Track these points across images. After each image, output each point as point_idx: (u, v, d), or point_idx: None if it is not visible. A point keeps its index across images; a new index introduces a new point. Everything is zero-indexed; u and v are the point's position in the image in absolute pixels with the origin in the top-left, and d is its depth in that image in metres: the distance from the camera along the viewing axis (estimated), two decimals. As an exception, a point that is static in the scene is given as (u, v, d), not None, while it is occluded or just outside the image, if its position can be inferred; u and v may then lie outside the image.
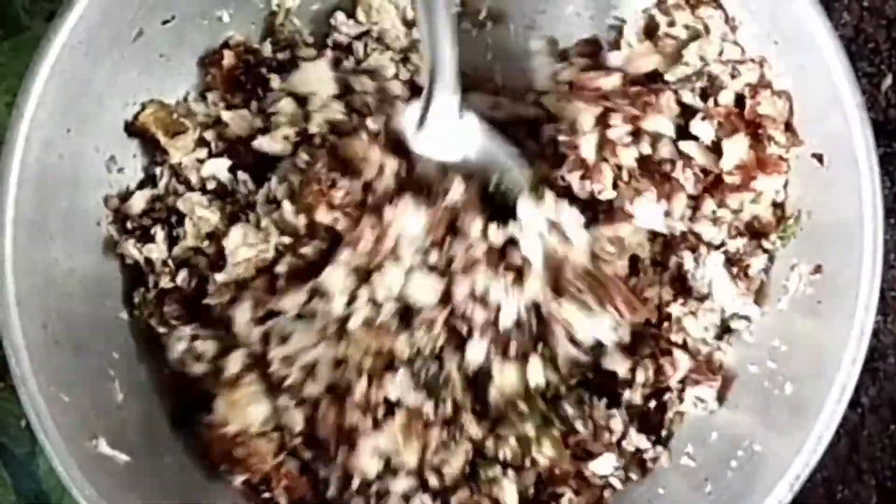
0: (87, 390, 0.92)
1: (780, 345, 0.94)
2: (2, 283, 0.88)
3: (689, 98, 0.98)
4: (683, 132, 0.98)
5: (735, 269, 0.96)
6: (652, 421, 0.97)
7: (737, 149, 0.96)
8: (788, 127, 0.95)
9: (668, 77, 0.99)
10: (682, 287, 0.98)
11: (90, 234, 0.97)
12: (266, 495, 0.97)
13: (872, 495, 1.06)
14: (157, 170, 1.01)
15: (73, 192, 0.95)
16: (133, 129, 1.00)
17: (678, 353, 0.97)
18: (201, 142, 1.01)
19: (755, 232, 0.97)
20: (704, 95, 0.99)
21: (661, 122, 0.97)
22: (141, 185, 1.01)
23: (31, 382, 0.88)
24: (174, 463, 0.96)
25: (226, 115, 1.01)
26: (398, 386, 0.93)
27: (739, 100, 0.97)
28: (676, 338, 0.97)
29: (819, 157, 0.92)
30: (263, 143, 1.00)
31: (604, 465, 0.96)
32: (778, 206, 0.97)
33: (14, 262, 0.89)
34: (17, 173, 0.89)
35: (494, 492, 0.95)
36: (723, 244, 0.97)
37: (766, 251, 0.96)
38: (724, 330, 0.98)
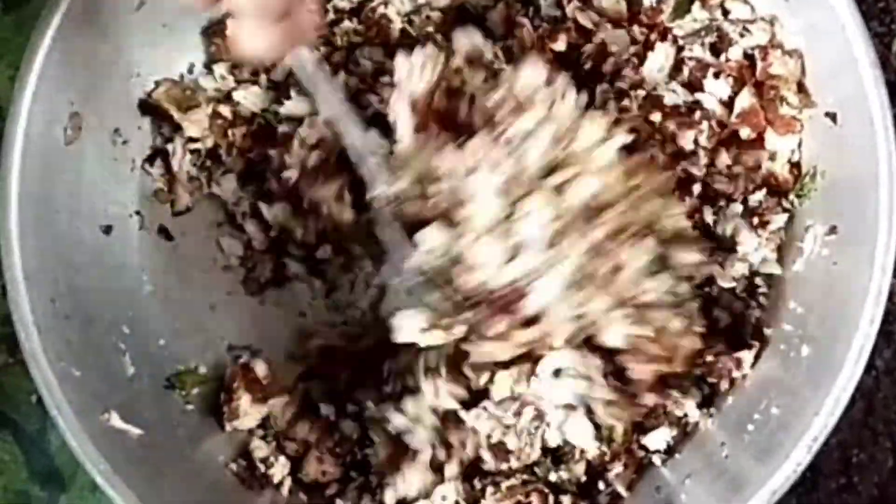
0: (97, 364, 0.92)
1: (796, 307, 0.93)
2: (9, 258, 0.88)
3: (699, 52, 0.97)
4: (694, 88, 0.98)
5: (756, 221, 0.96)
6: (702, 389, 0.96)
7: (743, 99, 0.95)
8: (801, 87, 0.94)
9: (675, 31, 0.99)
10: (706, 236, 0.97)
11: (96, 207, 0.97)
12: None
13: (888, 458, 1.06)
14: (170, 146, 1.01)
15: (77, 166, 0.95)
16: (146, 105, 1.00)
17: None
18: (216, 115, 1.01)
19: (773, 189, 0.96)
20: (715, 51, 0.98)
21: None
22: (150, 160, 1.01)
23: (41, 358, 0.87)
24: (185, 436, 0.96)
25: (238, 95, 1.00)
26: None
27: (750, 58, 0.96)
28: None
29: (833, 117, 0.91)
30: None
31: (657, 439, 0.95)
32: (794, 165, 0.96)
33: (20, 237, 0.88)
34: (21, 147, 0.89)
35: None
36: (744, 199, 0.97)
37: (785, 210, 0.96)
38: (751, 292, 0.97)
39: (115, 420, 0.90)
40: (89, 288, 0.94)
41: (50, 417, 0.89)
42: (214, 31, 1.01)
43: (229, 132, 1.01)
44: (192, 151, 1.01)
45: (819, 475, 1.04)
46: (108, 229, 0.98)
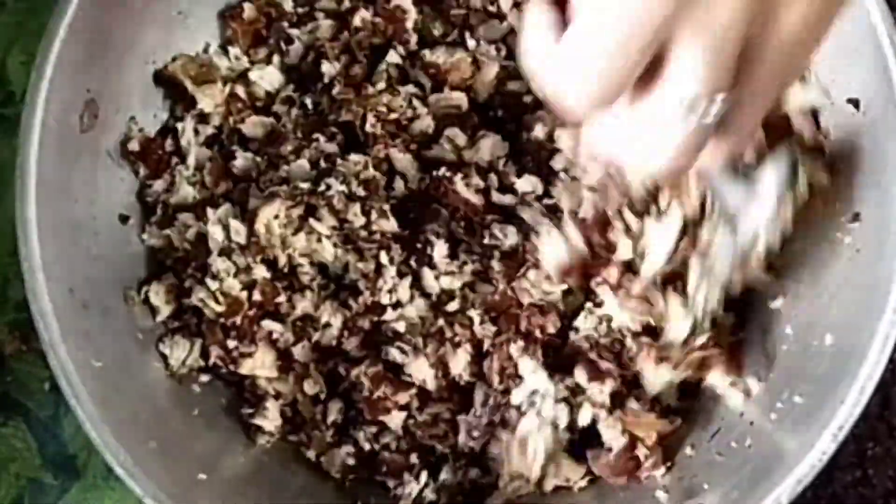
0: (116, 355, 0.92)
1: (819, 294, 0.92)
2: (27, 246, 0.87)
3: None
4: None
5: None
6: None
7: None
8: None
9: None
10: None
11: (113, 195, 0.97)
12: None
13: (904, 451, 1.06)
14: (180, 125, 1.00)
15: (94, 154, 0.94)
16: (161, 77, 0.99)
17: None
18: (234, 97, 1.00)
19: None
20: None
21: None
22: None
23: (60, 348, 0.86)
24: (203, 425, 0.96)
25: (254, 75, 1.00)
26: None
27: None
28: None
29: (855, 103, 0.90)
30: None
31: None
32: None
33: (39, 226, 0.88)
34: (39, 135, 0.88)
35: None
36: None
37: None
38: None
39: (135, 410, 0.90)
40: (107, 278, 0.94)
41: (63, 405, 0.89)
42: (231, 14, 1.01)
43: (238, 118, 1.00)
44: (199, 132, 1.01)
45: (834, 468, 1.04)
46: (124, 219, 0.97)
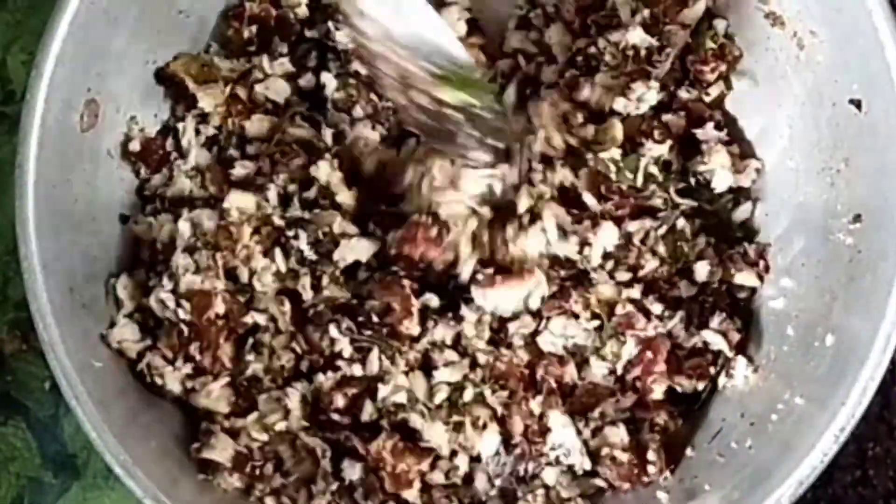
0: (115, 355, 0.92)
1: (820, 295, 0.92)
2: (27, 246, 0.87)
3: None
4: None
5: None
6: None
7: None
8: None
9: None
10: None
11: (113, 195, 0.97)
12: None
13: (904, 452, 1.06)
14: (181, 125, 1.00)
15: (94, 153, 0.94)
16: (163, 75, 0.99)
17: None
18: (235, 98, 1.00)
19: None
20: None
21: None
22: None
23: (59, 348, 0.86)
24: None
25: (267, 66, 1.00)
26: None
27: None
28: None
29: (857, 104, 0.90)
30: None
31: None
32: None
33: (37, 226, 0.88)
34: (38, 134, 0.88)
35: None
36: None
37: None
38: None
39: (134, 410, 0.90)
40: (106, 278, 0.94)
41: (63, 404, 0.89)
42: (234, 14, 1.01)
43: (237, 121, 1.00)
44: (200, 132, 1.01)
45: (834, 468, 1.04)
46: (125, 218, 0.97)
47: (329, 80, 1.00)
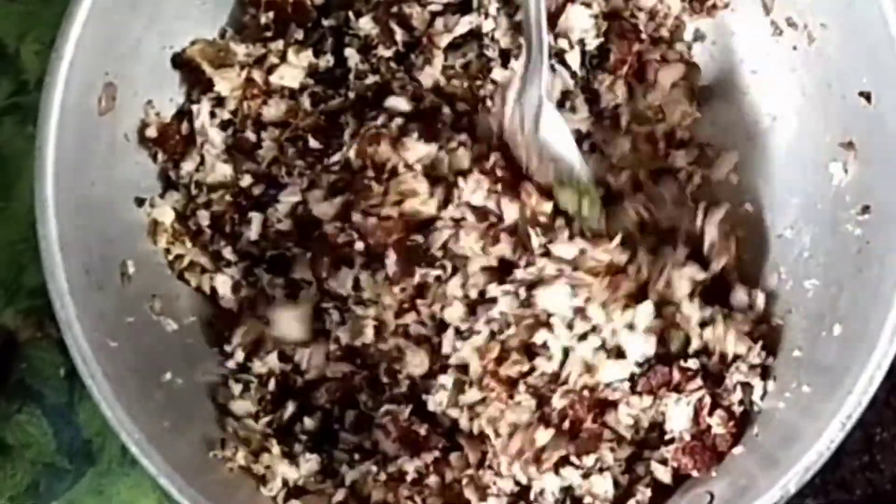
0: (131, 335, 0.92)
1: (828, 285, 0.93)
2: (45, 227, 0.88)
3: None
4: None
5: None
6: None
7: None
8: None
9: None
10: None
11: (130, 178, 0.97)
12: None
13: (910, 437, 1.06)
14: (195, 107, 1.00)
15: (111, 137, 0.95)
16: (179, 60, 1.00)
17: None
18: (250, 82, 1.01)
19: None
20: None
21: None
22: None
23: (76, 326, 0.87)
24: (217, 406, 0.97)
25: (274, 77, 1.01)
26: None
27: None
28: None
29: (867, 96, 0.90)
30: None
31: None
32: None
33: (56, 207, 0.88)
34: (58, 116, 0.89)
35: None
36: None
37: None
38: None
39: (149, 391, 0.91)
40: (123, 259, 0.95)
41: (78, 391, 0.89)
42: (250, 0, 1.02)
43: (253, 104, 1.01)
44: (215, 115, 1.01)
45: (842, 454, 1.03)
46: (140, 202, 0.98)
47: (352, 54, 1.01)
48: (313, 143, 0.99)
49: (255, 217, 0.99)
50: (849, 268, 0.91)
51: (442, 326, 0.96)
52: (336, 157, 0.98)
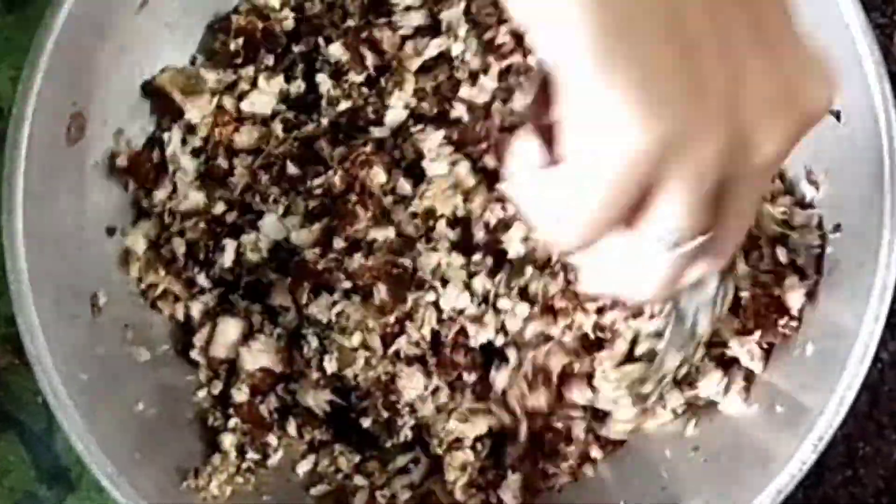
0: (103, 367, 0.92)
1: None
2: (14, 260, 0.87)
3: None
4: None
5: None
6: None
7: None
8: None
9: None
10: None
11: (100, 208, 0.97)
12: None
13: (894, 451, 1.06)
14: (166, 135, 1.00)
15: (81, 166, 0.95)
16: (149, 88, 0.99)
17: None
18: (221, 110, 1.00)
19: None
20: None
21: None
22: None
23: (46, 360, 0.87)
24: (194, 437, 0.97)
25: (245, 104, 1.01)
26: None
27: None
28: None
29: (836, 115, 0.90)
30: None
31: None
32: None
33: (26, 238, 0.88)
34: (26, 148, 0.88)
35: None
36: None
37: None
38: None
39: (122, 422, 0.90)
40: (94, 291, 0.94)
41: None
42: (220, 26, 1.02)
43: (224, 131, 1.01)
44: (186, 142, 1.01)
45: (824, 469, 1.04)
46: (111, 231, 0.98)
47: (324, 80, 1.01)
48: (292, 169, 0.98)
49: (229, 244, 0.98)
50: (822, 286, 0.91)
51: (435, 343, 0.96)
52: (318, 181, 0.97)
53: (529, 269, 0.93)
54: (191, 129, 1.00)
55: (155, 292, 0.99)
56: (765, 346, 0.94)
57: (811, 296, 0.92)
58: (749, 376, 0.94)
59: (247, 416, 0.96)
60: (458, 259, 0.94)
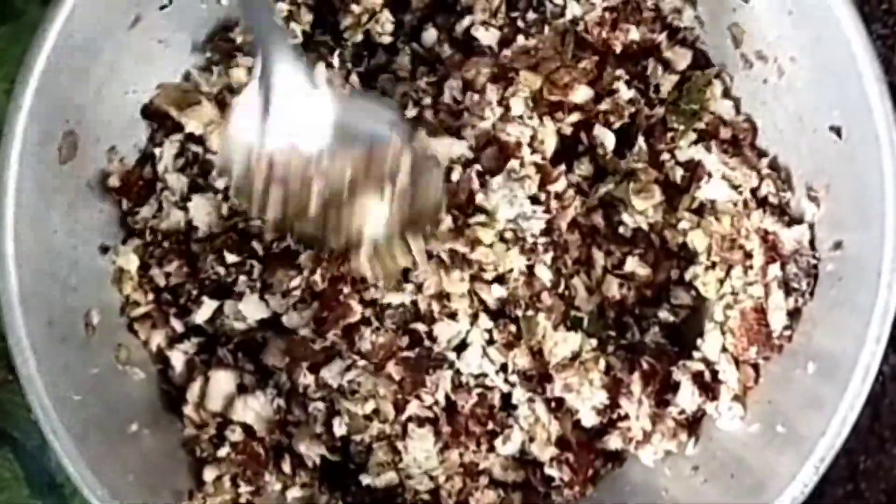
0: (95, 388, 0.91)
1: (802, 322, 0.92)
2: (5, 280, 0.87)
3: None
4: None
5: None
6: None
7: None
8: None
9: None
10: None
11: (92, 227, 0.96)
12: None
13: (895, 465, 1.05)
14: (157, 150, 0.99)
15: (74, 184, 0.94)
16: (149, 112, 0.99)
17: None
18: (220, 105, 0.99)
19: None
20: None
21: None
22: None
23: (37, 382, 0.87)
24: (183, 459, 0.96)
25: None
26: None
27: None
28: None
29: (837, 131, 0.89)
30: None
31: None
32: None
33: (17, 258, 0.87)
34: (17, 167, 0.88)
35: None
36: None
37: None
38: None
39: (114, 443, 0.90)
40: (86, 310, 0.94)
41: (50, 435, 0.88)
42: (213, 43, 1.01)
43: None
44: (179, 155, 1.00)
45: (826, 483, 1.03)
46: (105, 249, 0.97)
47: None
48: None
49: (207, 304, 0.97)
50: (822, 304, 0.91)
51: (449, 407, 0.95)
52: (296, 283, 0.96)
53: None
54: (195, 140, 0.99)
55: (134, 311, 0.98)
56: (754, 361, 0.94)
57: (798, 312, 0.92)
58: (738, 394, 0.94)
59: (242, 452, 0.95)
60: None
